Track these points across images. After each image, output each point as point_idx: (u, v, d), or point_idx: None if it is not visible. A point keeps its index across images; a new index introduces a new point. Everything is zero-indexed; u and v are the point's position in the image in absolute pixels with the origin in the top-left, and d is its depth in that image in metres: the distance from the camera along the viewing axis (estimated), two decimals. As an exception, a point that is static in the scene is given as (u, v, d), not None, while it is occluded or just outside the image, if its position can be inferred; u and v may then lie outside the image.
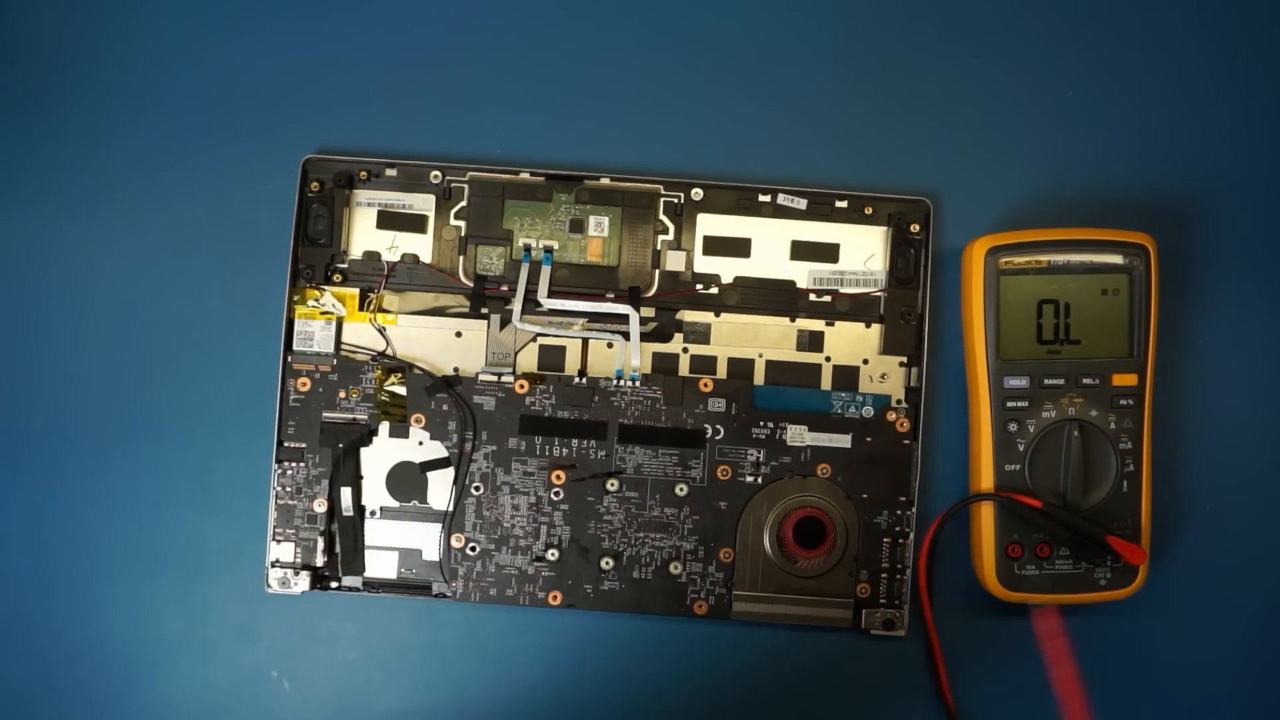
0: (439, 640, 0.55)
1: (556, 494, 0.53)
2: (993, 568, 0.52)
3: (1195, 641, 0.56)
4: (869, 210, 0.55)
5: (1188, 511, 0.56)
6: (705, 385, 0.54)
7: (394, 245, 0.55)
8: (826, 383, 0.55)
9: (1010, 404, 0.53)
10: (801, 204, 0.55)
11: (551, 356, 0.55)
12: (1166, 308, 0.55)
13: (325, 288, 0.54)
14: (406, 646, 0.55)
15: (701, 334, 0.55)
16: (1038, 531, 0.52)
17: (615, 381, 0.54)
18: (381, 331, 0.54)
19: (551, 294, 0.54)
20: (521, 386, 0.53)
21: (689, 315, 0.55)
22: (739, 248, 0.55)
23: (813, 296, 0.55)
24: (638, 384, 0.54)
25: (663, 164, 0.56)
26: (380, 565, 0.54)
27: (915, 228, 0.55)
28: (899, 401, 0.55)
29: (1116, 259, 0.53)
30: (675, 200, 0.55)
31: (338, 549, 0.53)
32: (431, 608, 0.55)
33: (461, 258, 0.55)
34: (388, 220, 0.55)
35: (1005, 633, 0.55)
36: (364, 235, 0.55)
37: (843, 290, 0.55)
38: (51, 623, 0.54)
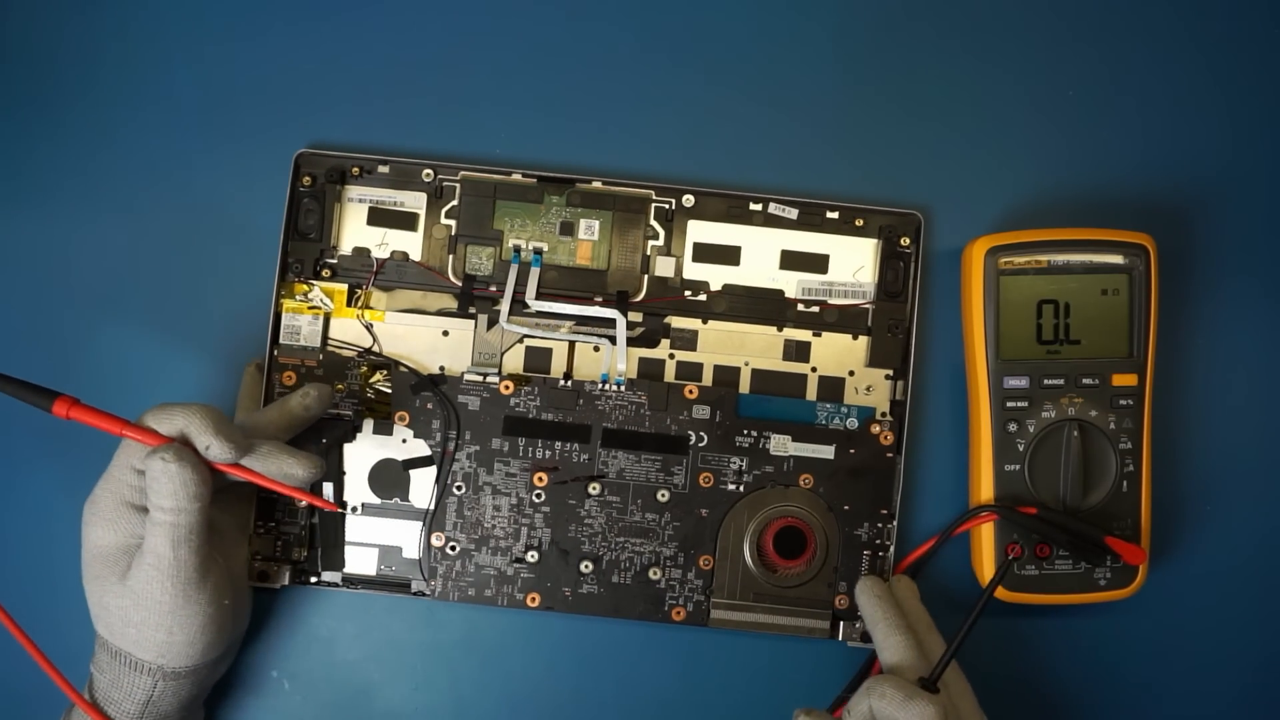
0: (439, 640, 0.55)
1: (538, 496, 0.53)
2: (993, 568, 0.53)
3: (1195, 641, 0.56)
4: (860, 222, 0.55)
5: (1188, 511, 0.56)
6: (690, 392, 0.54)
7: (384, 242, 0.55)
8: (812, 393, 0.55)
9: (1010, 404, 0.53)
10: (793, 214, 0.55)
11: (537, 358, 0.55)
12: (1166, 308, 0.55)
13: (314, 283, 0.54)
14: (406, 646, 0.55)
15: (688, 340, 0.55)
16: (1037, 532, 0.52)
17: (600, 385, 0.54)
18: (369, 328, 0.54)
19: (540, 296, 0.54)
20: (506, 387, 0.53)
21: (676, 321, 0.55)
22: (729, 255, 0.55)
23: (801, 307, 0.55)
24: (623, 388, 0.54)
25: (655, 169, 0.55)
26: (360, 561, 0.54)
27: (905, 241, 0.55)
28: (883, 414, 0.54)
29: (1116, 259, 0.53)
30: (666, 206, 0.55)
31: (319, 544, 0.53)
32: (431, 608, 0.55)
33: (451, 257, 0.55)
34: (378, 217, 0.55)
35: (1005, 633, 0.55)
36: (354, 231, 0.55)
37: (831, 301, 0.55)
38: (52, 623, 0.54)
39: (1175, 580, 0.56)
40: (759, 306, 0.55)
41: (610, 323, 0.54)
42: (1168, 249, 0.55)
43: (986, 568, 0.53)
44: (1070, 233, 0.53)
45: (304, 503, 0.53)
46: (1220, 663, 0.56)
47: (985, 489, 0.53)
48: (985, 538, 0.53)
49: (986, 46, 0.57)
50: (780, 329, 0.55)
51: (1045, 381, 0.52)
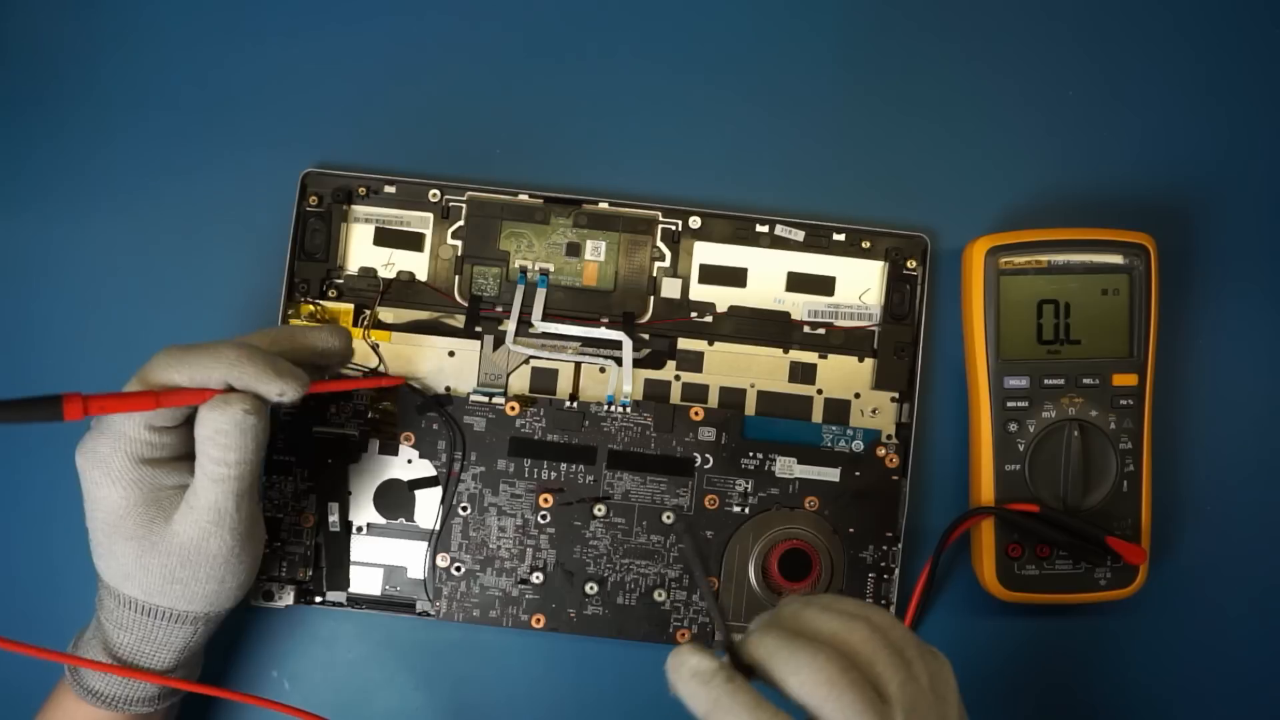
0: (439, 641, 0.55)
1: (543, 517, 0.53)
2: (993, 568, 0.53)
3: (1195, 641, 0.56)
4: (866, 244, 0.55)
5: (1188, 511, 0.56)
6: (696, 414, 0.54)
7: (390, 262, 0.55)
8: (818, 415, 0.55)
9: (1010, 404, 0.53)
10: (799, 235, 0.55)
11: (543, 379, 0.55)
12: (1166, 308, 0.55)
13: (320, 302, 0.54)
14: (406, 647, 0.55)
15: (694, 362, 0.55)
16: (1037, 532, 0.52)
17: (606, 407, 0.54)
18: (375, 348, 0.54)
19: (546, 317, 0.54)
20: (512, 408, 0.53)
21: (682, 343, 0.55)
22: (735, 277, 0.55)
23: (807, 329, 0.55)
24: (629, 410, 0.54)
25: (661, 191, 0.56)
26: (365, 581, 0.54)
27: (912, 263, 0.55)
28: (889, 437, 0.54)
29: (1116, 259, 0.53)
30: (673, 227, 0.55)
31: (323, 564, 0.53)
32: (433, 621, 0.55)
33: (457, 277, 0.55)
34: (385, 237, 0.55)
35: (1005, 633, 0.55)
36: (361, 251, 0.55)
37: (837, 323, 0.55)
38: (52, 623, 0.54)
39: (1175, 580, 0.56)
40: (765, 328, 0.55)
41: (616, 344, 0.54)
42: (1168, 249, 0.55)
43: (987, 569, 0.53)
44: (1070, 233, 0.53)
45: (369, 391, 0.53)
46: (1220, 663, 0.56)
47: (986, 489, 0.53)
48: (986, 537, 0.53)
49: (987, 47, 0.57)
50: (786, 351, 0.55)
51: (1045, 381, 0.53)
